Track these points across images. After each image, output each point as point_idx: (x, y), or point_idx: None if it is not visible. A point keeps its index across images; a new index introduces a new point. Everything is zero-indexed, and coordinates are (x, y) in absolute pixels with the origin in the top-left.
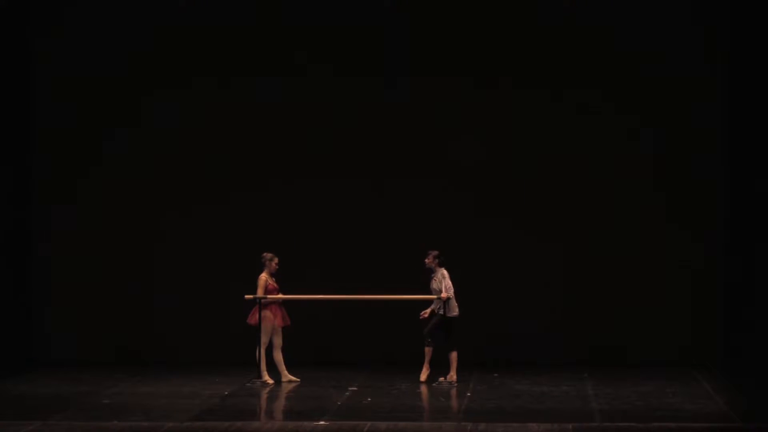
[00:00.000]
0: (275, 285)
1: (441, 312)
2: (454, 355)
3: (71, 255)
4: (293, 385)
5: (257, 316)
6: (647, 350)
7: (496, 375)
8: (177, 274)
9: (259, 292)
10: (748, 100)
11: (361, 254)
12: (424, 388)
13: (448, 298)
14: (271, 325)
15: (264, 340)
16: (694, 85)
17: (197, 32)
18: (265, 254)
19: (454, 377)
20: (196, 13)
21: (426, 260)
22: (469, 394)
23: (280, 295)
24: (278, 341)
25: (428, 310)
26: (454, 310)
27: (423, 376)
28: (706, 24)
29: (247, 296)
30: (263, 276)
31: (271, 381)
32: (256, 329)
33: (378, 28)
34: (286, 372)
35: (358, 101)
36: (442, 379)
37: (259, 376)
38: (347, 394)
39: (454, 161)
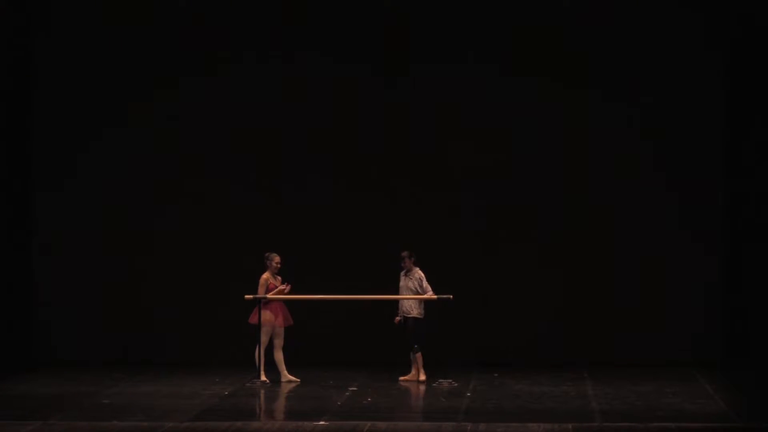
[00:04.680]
0: (276, 285)
1: (418, 315)
2: (419, 356)
3: (71, 255)
4: (293, 385)
5: (257, 315)
6: (647, 350)
7: (496, 375)
8: (177, 273)
9: (260, 292)
10: (748, 99)
11: (362, 254)
12: (423, 388)
13: (447, 298)
14: (271, 325)
15: (263, 339)
16: (695, 85)
17: (197, 32)
18: (267, 254)
19: (423, 376)
20: (195, 12)
21: (405, 261)
22: (469, 394)
23: (280, 296)
24: (279, 341)
25: (399, 316)
26: (421, 313)
27: (423, 377)
28: (706, 24)
29: (246, 296)
30: (265, 275)
31: (267, 381)
32: (257, 329)
33: (379, 27)
34: (285, 372)
35: (359, 101)
36: (442, 380)
37: (259, 376)
38: (347, 394)
39: (456, 164)
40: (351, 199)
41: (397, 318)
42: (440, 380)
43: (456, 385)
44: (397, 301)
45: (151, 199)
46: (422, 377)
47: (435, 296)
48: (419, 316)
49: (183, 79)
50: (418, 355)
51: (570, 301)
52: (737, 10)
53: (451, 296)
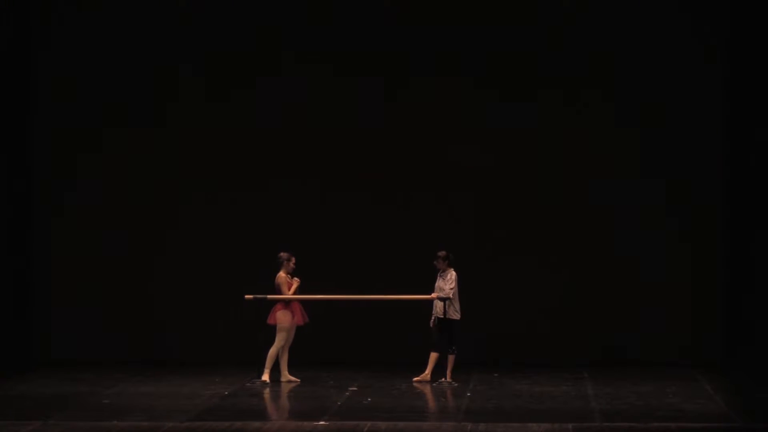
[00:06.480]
0: (292, 282)
1: (443, 316)
2: (451, 358)
3: (71, 254)
4: (293, 385)
5: (275, 315)
6: (647, 350)
7: (496, 375)
8: (177, 274)
9: (285, 290)
10: (748, 98)
11: (362, 254)
12: (425, 388)
13: (446, 299)
14: (288, 327)
15: (280, 338)
16: (694, 85)
17: (197, 32)
18: (282, 254)
19: (449, 377)
20: (195, 13)
21: (439, 262)
22: (469, 394)
23: (283, 296)
24: (288, 341)
25: (433, 317)
26: (455, 314)
27: (449, 377)
28: (706, 23)
29: (246, 296)
30: (282, 274)
31: (267, 381)
32: (274, 329)
33: (378, 28)
34: (286, 372)
35: (359, 102)
36: (443, 380)
37: (260, 376)
38: (347, 394)
39: (456, 164)
40: (350, 199)
41: (432, 320)
42: (440, 380)
43: (456, 385)
44: (430, 303)
45: (152, 199)
46: (428, 377)
47: (434, 296)
48: (455, 318)
49: (183, 80)
50: (434, 355)
51: (570, 301)
52: (736, 12)
53: (450, 296)
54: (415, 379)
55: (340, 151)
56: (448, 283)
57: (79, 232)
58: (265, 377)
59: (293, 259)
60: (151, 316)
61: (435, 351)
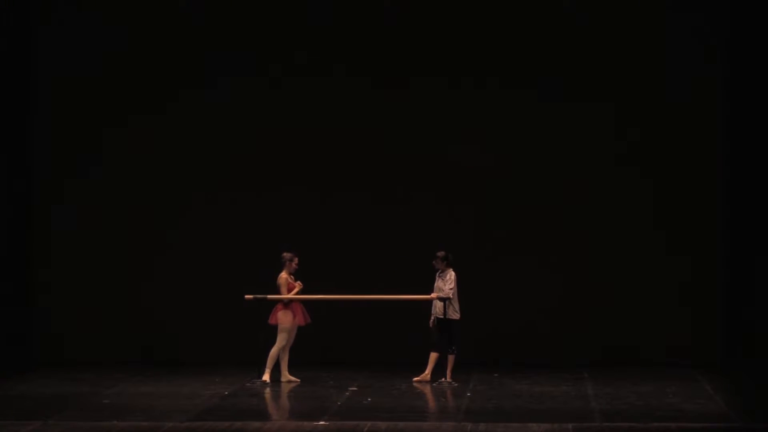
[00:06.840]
0: (294, 285)
1: (443, 316)
2: (451, 358)
3: (71, 255)
4: (293, 385)
5: (276, 315)
6: (647, 350)
7: (496, 375)
8: (177, 274)
9: (283, 292)
10: (748, 101)
11: (362, 254)
12: (425, 388)
13: (446, 299)
14: (290, 325)
15: (282, 338)
16: (694, 85)
17: (197, 32)
18: (285, 254)
19: (449, 377)
20: (195, 13)
21: (438, 262)
22: (469, 394)
23: (283, 296)
24: (290, 341)
25: (432, 317)
26: (455, 314)
27: (449, 377)
28: (706, 23)
29: (247, 296)
30: (284, 275)
31: (267, 381)
32: (275, 329)
33: (378, 28)
34: (286, 372)
35: (359, 102)
36: (443, 379)
37: (260, 376)
38: (347, 394)
39: (456, 164)
40: (350, 199)
41: (431, 320)
42: (440, 380)
43: (456, 385)
44: (430, 303)
45: (152, 199)
46: (428, 377)
47: (434, 296)
48: (455, 318)
49: (185, 80)
50: (434, 355)
51: (570, 301)
52: (736, 12)
53: (450, 296)
54: (415, 379)
55: (340, 151)
56: (447, 283)
57: (79, 232)
58: (266, 377)
59: (296, 260)
60: (151, 316)
61: (435, 351)
